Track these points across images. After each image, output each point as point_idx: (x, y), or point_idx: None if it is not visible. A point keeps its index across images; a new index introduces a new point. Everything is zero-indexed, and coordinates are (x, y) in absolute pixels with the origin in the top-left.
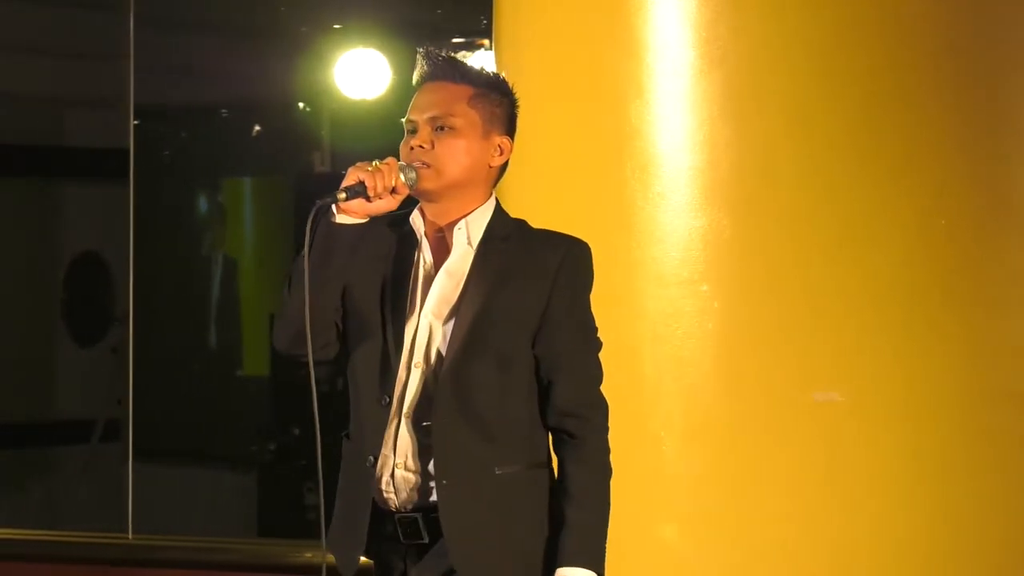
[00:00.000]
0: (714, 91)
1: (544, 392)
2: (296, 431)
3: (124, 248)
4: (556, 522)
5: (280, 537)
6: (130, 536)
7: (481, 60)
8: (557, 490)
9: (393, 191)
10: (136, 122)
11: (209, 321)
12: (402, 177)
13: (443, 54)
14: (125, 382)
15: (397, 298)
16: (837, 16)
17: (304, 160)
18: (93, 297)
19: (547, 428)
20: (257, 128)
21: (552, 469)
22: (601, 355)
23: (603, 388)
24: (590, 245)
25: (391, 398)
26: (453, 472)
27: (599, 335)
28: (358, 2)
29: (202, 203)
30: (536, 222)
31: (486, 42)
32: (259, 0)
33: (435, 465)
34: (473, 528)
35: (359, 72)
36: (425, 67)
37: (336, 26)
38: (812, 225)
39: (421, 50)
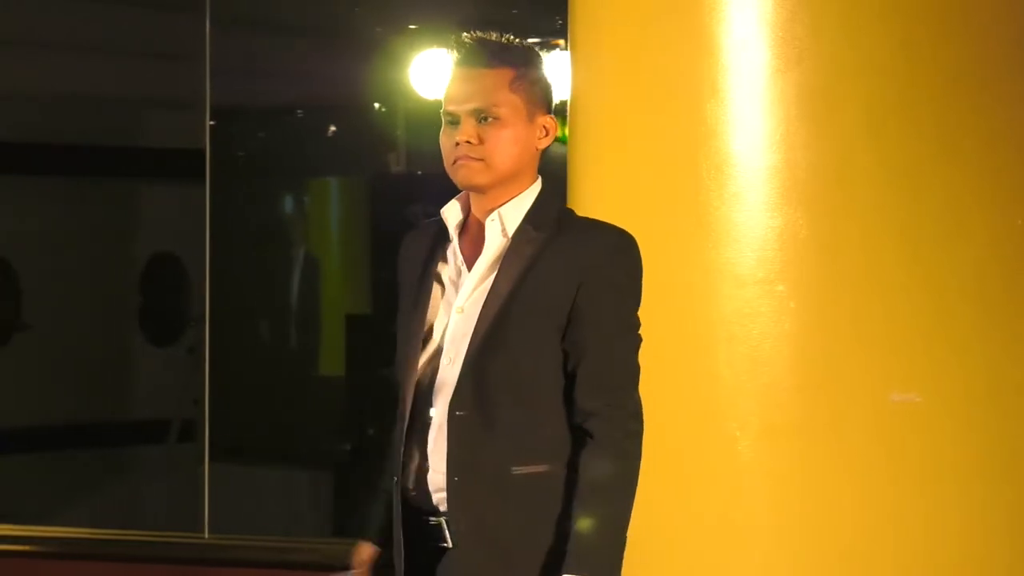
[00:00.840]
0: (790, 91)
1: (569, 388)
2: (371, 431)
3: (200, 249)
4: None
5: (355, 537)
6: (206, 536)
7: (557, 60)
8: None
9: None
10: (212, 123)
11: (285, 322)
12: None
13: (475, 36)
14: (201, 383)
15: (419, 304)
16: (914, 15)
17: (380, 160)
18: (169, 298)
19: (571, 426)
20: (333, 129)
21: (567, 474)
22: (677, 355)
23: (679, 388)
24: (666, 244)
25: (411, 417)
26: (465, 468)
27: (640, 332)
28: (433, 2)
29: (278, 204)
30: (612, 222)
31: (562, 42)
32: (334, 1)
33: (447, 460)
34: (482, 529)
35: (434, 72)
36: (458, 52)
37: (411, 26)
38: (889, 225)
39: (453, 36)
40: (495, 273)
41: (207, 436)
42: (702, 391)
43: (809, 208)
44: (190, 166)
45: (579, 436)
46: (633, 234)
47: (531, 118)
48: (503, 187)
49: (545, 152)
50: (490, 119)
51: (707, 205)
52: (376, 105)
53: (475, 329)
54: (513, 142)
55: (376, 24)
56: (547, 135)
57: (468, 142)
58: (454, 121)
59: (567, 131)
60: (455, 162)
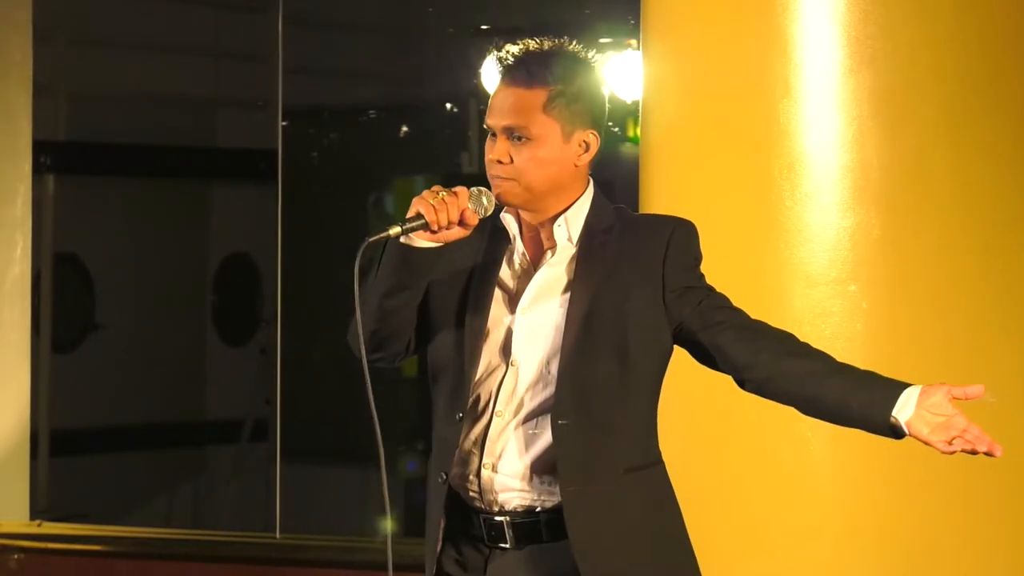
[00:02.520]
0: (863, 90)
1: (713, 335)
2: None
3: (272, 249)
4: (673, 522)
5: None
6: (277, 536)
7: (628, 60)
8: (802, 377)
9: (461, 222)
10: (284, 123)
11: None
12: (471, 205)
13: (514, 53)
14: (273, 382)
15: (480, 303)
16: (989, 13)
17: (451, 161)
18: (242, 298)
19: (714, 352)
20: (404, 129)
21: (664, 466)
22: None
23: None
24: (738, 244)
25: (464, 414)
26: (580, 477)
27: None
28: (505, 3)
29: (350, 204)
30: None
31: (633, 42)
32: (407, 2)
33: (561, 471)
34: (605, 533)
35: None
36: (500, 65)
37: (483, 27)
38: (961, 225)
39: (496, 48)
40: (572, 280)
41: (278, 436)
42: None
43: (882, 208)
44: (263, 166)
45: (755, 338)
46: (705, 233)
47: (567, 137)
48: (546, 201)
49: (618, 151)
50: (522, 139)
51: (779, 204)
52: (448, 106)
53: (565, 337)
54: (544, 163)
55: (448, 25)
56: (587, 151)
57: (499, 161)
58: (493, 135)
59: (639, 130)
60: (491, 178)
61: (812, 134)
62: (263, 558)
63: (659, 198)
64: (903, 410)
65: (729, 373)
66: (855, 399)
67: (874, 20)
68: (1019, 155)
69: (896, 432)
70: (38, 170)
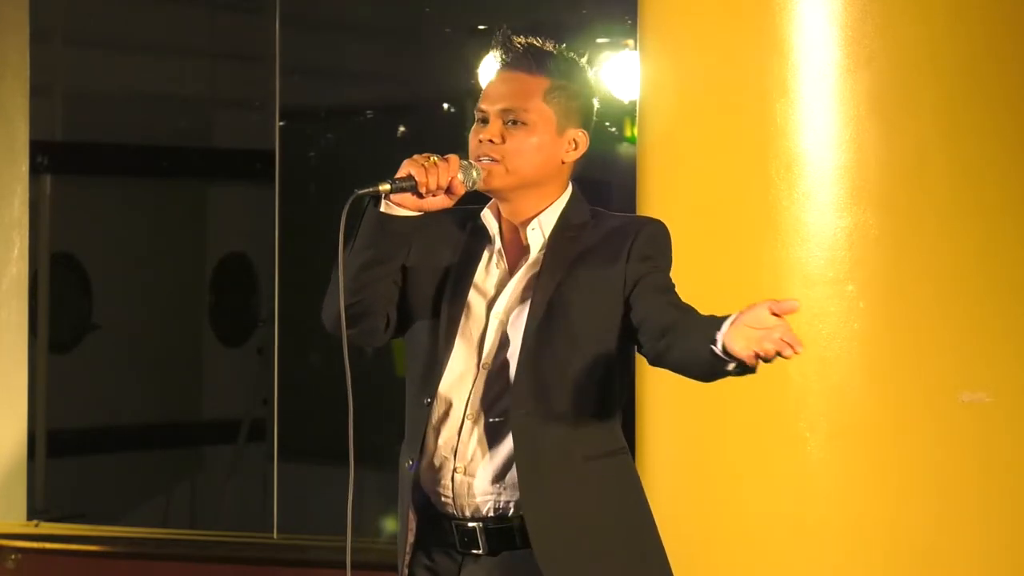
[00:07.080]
0: (861, 90)
1: (645, 323)
2: None
3: (269, 249)
4: (637, 511)
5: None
6: (275, 536)
7: (625, 60)
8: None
9: (448, 190)
10: (282, 123)
11: None
12: (461, 175)
13: (520, 40)
14: (270, 382)
15: (456, 296)
16: (988, 13)
17: None
18: (239, 298)
19: (646, 344)
20: (401, 129)
21: (631, 456)
22: None
23: (748, 389)
24: (735, 244)
25: (432, 399)
26: (538, 467)
27: None
28: (502, 3)
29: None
30: (681, 221)
31: (631, 42)
32: (404, 1)
33: (518, 463)
34: (563, 524)
35: None
36: (500, 54)
37: (480, 27)
38: (960, 224)
39: (497, 34)
40: (538, 276)
41: (276, 436)
42: (771, 392)
43: (879, 207)
44: (260, 167)
45: (662, 329)
46: (702, 233)
47: (561, 131)
48: (526, 196)
49: (615, 151)
50: (517, 123)
51: (776, 204)
52: (445, 106)
53: (526, 329)
54: (536, 149)
55: (445, 25)
56: (576, 149)
57: (491, 141)
58: (484, 119)
59: (636, 130)
60: (477, 161)
61: (809, 134)
62: (261, 558)
63: (656, 198)
64: (724, 331)
65: (650, 338)
66: (702, 342)
67: (872, 20)
68: (1017, 154)
69: (727, 359)
70: (35, 170)
